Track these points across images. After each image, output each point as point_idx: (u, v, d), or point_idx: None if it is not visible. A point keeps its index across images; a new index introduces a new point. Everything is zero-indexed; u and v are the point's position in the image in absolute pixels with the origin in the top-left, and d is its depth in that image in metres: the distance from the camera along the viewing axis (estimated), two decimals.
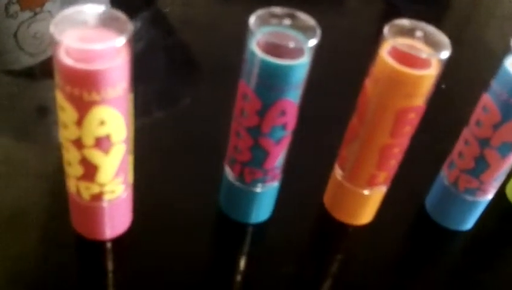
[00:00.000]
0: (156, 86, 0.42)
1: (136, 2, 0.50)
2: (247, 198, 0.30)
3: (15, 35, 0.40)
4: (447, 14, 0.59)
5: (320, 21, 0.25)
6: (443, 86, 0.44)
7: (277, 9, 0.25)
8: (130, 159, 0.27)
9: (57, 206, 0.31)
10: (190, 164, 0.34)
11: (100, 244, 0.29)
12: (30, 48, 0.40)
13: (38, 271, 0.28)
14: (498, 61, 0.28)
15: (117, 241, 0.29)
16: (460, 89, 0.42)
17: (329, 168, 0.32)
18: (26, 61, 0.41)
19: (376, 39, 0.26)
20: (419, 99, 0.26)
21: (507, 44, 0.27)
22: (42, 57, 0.41)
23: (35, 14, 0.39)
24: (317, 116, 0.35)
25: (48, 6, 0.39)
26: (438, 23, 0.27)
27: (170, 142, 0.36)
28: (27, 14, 0.39)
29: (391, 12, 0.56)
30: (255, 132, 0.26)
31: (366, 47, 0.28)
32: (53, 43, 0.22)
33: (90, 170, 0.25)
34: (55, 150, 0.35)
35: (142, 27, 0.47)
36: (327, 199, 0.32)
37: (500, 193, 0.35)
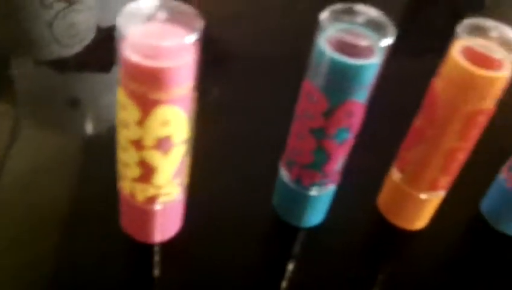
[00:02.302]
0: None
1: None
2: (302, 201, 0.28)
3: (50, 26, 0.38)
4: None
5: None
6: None
7: (347, 6, 0.24)
8: (188, 161, 0.25)
9: (88, 203, 0.30)
10: (242, 164, 0.33)
11: (149, 247, 0.28)
12: (65, 39, 0.39)
13: (82, 273, 0.27)
14: None
15: (167, 244, 0.28)
16: None
17: (384, 171, 0.30)
18: (61, 52, 0.39)
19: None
20: (491, 102, 0.25)
21: None
22: (77, 49, 0.40)
23: (71, 4, 0.38)
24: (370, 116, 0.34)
25: None
26: None
27: (219, 141, 0.35)
28: (62, 4, 0.38)
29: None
30: (320, 133, 0.25)
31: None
32: (119, 37, 0.21)
33: (147, 172, 0.24)
34: (87, 143, 0.34)
35: None
36: (382, 202, 0.31)
37: None
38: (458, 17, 0.26)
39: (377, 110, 0.35)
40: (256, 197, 0.31)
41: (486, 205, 0.32)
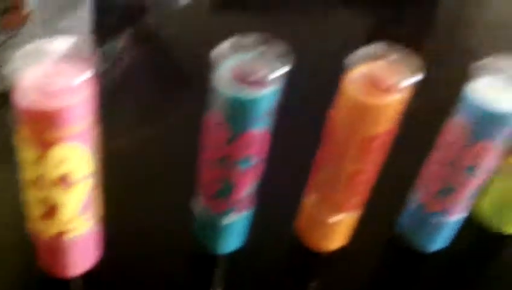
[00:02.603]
0: (139, 105, 0.41)
1: (122, 20, 0.49)
2: (217, 229, 0.29)
3: None
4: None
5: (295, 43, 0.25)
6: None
7: (245, 38, 0.25)
8: (97, 193, 0.26)
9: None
10: (165, 192, 0.34)
11: (67, 281, 0.28)
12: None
13: None
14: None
15: (85, 276, 0.28)
16: (430, 112, 0.42)
17: (300, 196, 0.31)
18: (2, 86, 0.39)
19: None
20: (386, 126, 0.26)
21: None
22: None
23: (11, 37, 0.37)
24: (286, 144, 0.35)
25: (26, 27, 0.37)
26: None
27: (146, 167, 0.35)
28: (2, 37, 0.37)
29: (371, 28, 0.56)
30: (224, 162, 0.26)
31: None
32: (12, 80, 0.21)
33: (51, 209, 0.24)
34: None
35: (127, 45, 0.46)
36: (299, 226, 0.32)
37: (473, 213, 0.35)
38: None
39: (292, 135, 0.36)
40: (177, 227, 0.32)
41: (401, 224, 0.33)
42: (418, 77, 0.25)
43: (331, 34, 0.52)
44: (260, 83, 0.24)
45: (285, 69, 0.24)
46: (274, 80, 0.24)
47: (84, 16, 0.41)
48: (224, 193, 0.27)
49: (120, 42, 0.44)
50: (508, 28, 0.57)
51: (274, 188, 0.33)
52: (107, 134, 0.37)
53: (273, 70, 0.24)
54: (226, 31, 0.48)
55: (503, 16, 0.61)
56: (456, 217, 0.31)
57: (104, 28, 0.47)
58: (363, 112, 0.25)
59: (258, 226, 0.30)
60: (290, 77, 0.25)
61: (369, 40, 0.27)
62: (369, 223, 0.33)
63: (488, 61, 0.28)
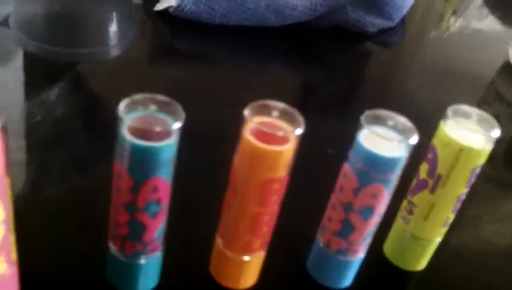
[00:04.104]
0: (71, 156, 0.43)
1: (54, 71, 0.51)
2: (131, 270, 0.31)
3: None
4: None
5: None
6: (330, 151, 0.47)
7: (145, 96, 0.28)
8: (12, 238, 0.28)
9: None
10: (76, 239, 0.36)
11: None
12: None
13: None
14: None
15: None
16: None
17: (213, 237, 0.34)
18: None
19: None
20: (281, 171, 0.29)
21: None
22: None
23: None
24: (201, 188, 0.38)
25: None
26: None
27: (52, 214, 0.37)
28: None
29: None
30: (131, 207, 0.28)
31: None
32: None
33: None
34: None
35: (60, 94, 0.48)
36: (212, 266, 0.34)
37: (381, 251, 0.38)
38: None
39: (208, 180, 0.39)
40: (90, 271, 0.33)
41: (309, 262, 0.36)
42: (301, 131, 0.29)
43: (257, 87, 0.56)
44: (157, 135, 0.27)
45: (179, 124, 0.27)
46: (169, 133, 0.27)
47: (16, 67, 0.43)
48: (135, 235, 0.29)
49: (53, 93, 0.47)
50: None
51: (189, 229, 0.36)
52: (39, 183, 0.39)
53: (169, 125, 0.27)
54: (160, 81, 0.51)
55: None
56: (358, 255, 0.34)
57: (37, 79, 0.50)
58: (262, 158, 0.28)
59: (172, 267, 0.33)
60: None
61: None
62: (281, 262, 0.35)
63: (378, 111, 0.31)
